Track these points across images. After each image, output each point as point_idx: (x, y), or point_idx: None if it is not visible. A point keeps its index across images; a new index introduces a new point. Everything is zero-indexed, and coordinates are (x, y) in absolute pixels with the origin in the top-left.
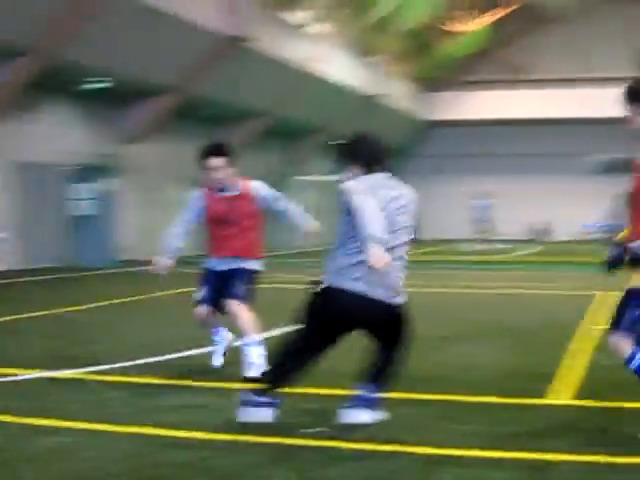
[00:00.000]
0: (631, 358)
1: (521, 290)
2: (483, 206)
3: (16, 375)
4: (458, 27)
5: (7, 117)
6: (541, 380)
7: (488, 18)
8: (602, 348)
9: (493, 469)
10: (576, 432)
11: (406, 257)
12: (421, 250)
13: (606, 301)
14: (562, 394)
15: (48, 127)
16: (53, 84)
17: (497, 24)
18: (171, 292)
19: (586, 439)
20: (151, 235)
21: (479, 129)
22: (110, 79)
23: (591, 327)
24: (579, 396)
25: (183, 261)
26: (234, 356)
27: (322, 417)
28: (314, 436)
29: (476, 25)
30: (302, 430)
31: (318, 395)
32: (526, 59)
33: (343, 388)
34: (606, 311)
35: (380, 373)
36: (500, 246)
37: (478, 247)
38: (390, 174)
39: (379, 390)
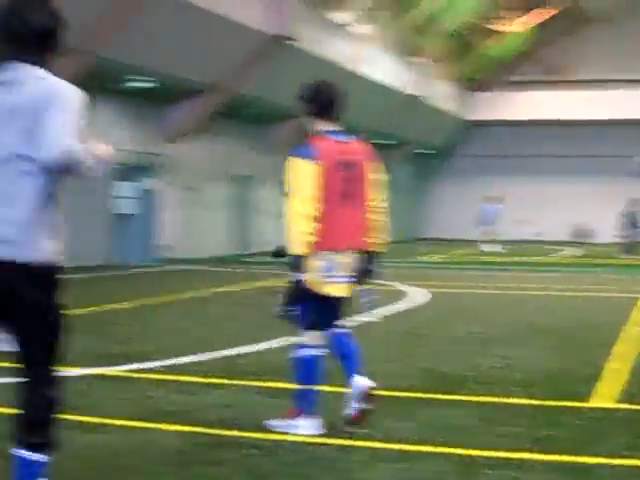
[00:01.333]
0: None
1: (559, 292)
2: (492, 210)
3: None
4: (502, 27)
5: None
6: (582, 383)
7: (531, 19)
8: None
9: (531, 472)
10: (617, 436)
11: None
12: (457, 250)
13: None
14: (604, 397)
15: (93, 126)
16: (98, 83)
17: (541, 25)
18: (211, 290)
19: (627, 443)
20: (192, 234)
21: (521, 129)
22: (154, 78)
23: (636, 329)
24: (621, 399)
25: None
26: (279, 357)
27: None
28: (357, 437)
29: (519, 26)
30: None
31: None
32: (569, 60)
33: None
34: None
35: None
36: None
37: (486, 249)
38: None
39: (39, 451)
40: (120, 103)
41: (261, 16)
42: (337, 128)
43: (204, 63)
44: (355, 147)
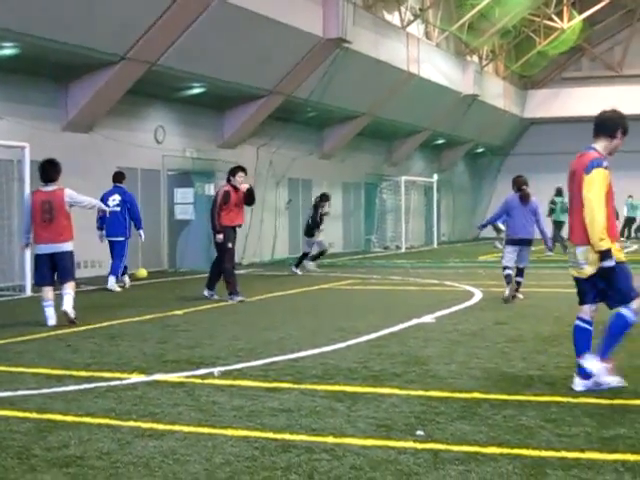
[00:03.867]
0: None
1: None
2: None
3: (120, 379)
4: (554, 24)
5: (109, 123)
6: None
7: (584, 14)
8: None
9: (600, 472)
10: None
11: None
12: None
13: None
14: None
15: (148, 133)
16: (152, 90)
17: (593, 20)
18: (264, 296)
19: None
20: (252, 238)
21: (577, 126)
22: (207, 84)
23: None
24: None
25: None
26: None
27: (424, 419)
28: (417, 439)
29: (572, 21)
30: (417, 433)
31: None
32: (622, 55)
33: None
34: None
35: None
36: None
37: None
38: None
39: None
40: (176, 110)
41: (315, 19)
42: (593, 144)
43: (258, 68)
44: (577, 160)
